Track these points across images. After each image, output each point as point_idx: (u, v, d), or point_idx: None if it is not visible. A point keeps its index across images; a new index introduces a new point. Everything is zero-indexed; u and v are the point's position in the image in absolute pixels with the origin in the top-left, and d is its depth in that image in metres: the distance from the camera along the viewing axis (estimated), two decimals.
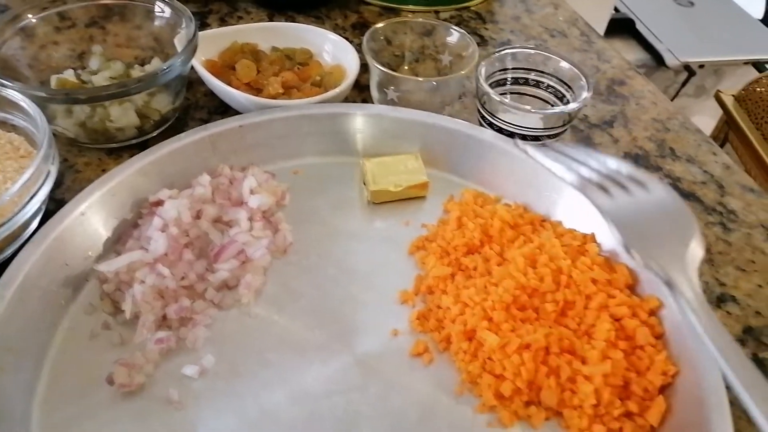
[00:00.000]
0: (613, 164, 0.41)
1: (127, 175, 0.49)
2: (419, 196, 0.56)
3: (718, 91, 1.12)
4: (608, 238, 0.48)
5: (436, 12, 0.82)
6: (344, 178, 0.57)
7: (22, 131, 0.51)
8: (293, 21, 0.77)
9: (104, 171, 0.56)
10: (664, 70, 1.95)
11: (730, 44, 1.96)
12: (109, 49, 0.64)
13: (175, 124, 0.61)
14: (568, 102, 0.59)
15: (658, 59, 1.94)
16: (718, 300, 0.50)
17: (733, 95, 1.10)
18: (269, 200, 0.51)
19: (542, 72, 0.61)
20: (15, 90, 0.49)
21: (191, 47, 0.56)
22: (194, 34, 0.57)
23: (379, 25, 0.62)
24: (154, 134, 0.59)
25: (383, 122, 0.57)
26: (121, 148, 0.58)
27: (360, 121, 0.57)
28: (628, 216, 0.35)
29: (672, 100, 1.99)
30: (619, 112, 0.69)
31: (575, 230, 0.51)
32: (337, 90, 0.59)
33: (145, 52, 0.64)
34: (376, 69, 0.58)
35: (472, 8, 0.84)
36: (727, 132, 1.10)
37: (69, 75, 0.61)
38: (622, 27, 2.06)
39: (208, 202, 0.50)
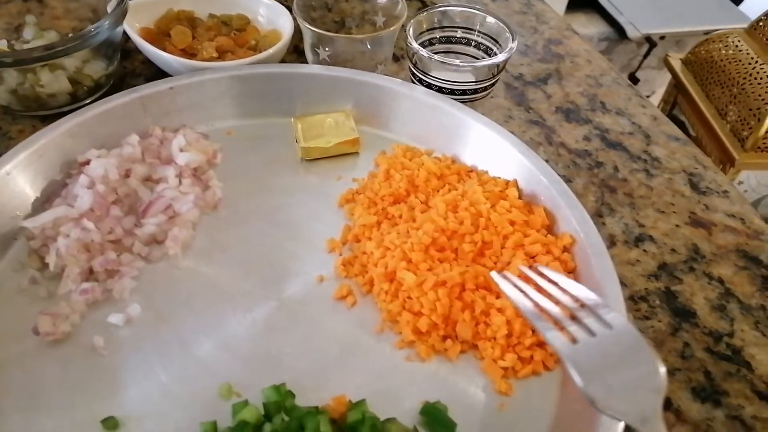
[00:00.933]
0: (576, 294, 0.39)
1: (55, 136, 0.50)
2: (351, 153, 0.57)
3: (667, 55, 1.14)
4: (528, 184, 0.50)
5: None
6: (278, 137, 0.58)
7: None
8: None
9: None
10: (626, 42, 1.98)
11: (691, 15, 1.99)
12: (45, 21, 0.64)
13: (110, 92, 0.61)
14: (494, 54, 0.61)
15: (620, 32, 1.96)
16: (637, 240, 0.52)
17: (681, 59, 1.12)
18: (199, 158, 0.52)
19: (470, 29, 0.62)
20: None
21: (120, 10, 0.56)
22: (123, 3, 0.57)
23: None
24: (88, 101, 0.59)
25: (315, 81, 0.58)
26: (55, 116, 0.58)
27: (291, 80, 0.58)
28: (591, 360, 0.34)
29: (635, 72, 2.02)
30: (554, 70, 0.71)
31: (499, 178, 0.52)
32: (270, 51, 0.60)
33: (82, 24, 0.64)
34: (308, 30, 0.59)
35: None
36: (676, 96, 1.12)
37: (2, 45, 0.61)
38: (584, 1, 2.08)
39: (137, 162, 0.51)
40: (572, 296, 0.38)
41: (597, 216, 0.54)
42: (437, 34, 0.62)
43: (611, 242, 0.52)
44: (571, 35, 0.76)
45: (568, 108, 0.66)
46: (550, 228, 0.48)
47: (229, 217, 0.51)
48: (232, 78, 0.57)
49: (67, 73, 0.56)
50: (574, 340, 0.35)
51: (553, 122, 0.64)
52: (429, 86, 0.59)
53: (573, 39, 0.76)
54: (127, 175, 0.50)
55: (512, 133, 0.53)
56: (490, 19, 0.60)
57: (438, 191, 0.52)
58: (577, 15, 2.02)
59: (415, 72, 0.60)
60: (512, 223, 0.47)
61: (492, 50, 0.61)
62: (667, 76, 1.14)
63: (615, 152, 0.61)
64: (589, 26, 2.01)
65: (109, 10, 0.61)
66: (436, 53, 0.62)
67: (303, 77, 0.58)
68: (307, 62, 0.65)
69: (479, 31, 0.62)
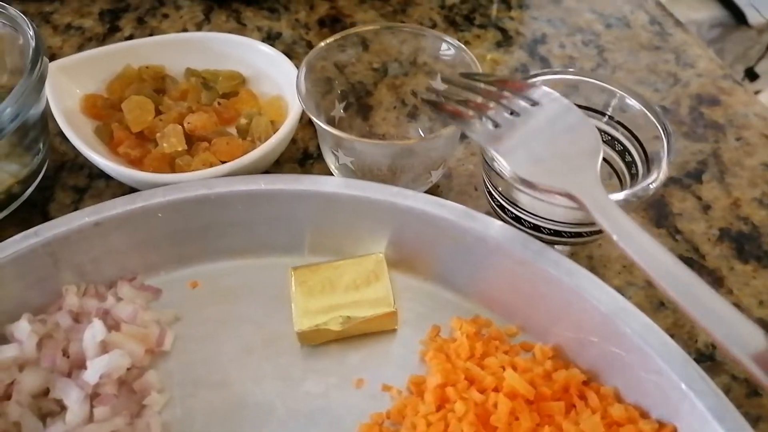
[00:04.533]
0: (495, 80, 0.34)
1: None
2: (382, 331, 0.35)
3: None
4: None
5: None
6: (266, 293, 0.36)
7: None
8: (238, 17, 0.55)
9: None
10: (744, 29, 1.62)
11: None
12: None
13: (34, 199, 0.41)
14: (633, 165, 0.36)
15: (738, 16, 1.60)
16: None
17: None
18: (123, 362, 0.31)
19: (595, 111, 0.37)
20: None
21: (34, 80, 0.36)
22: (37, 66, 0.36)
23: (326, 42, 0.40)
24: (0, 216, 0.40)
25: (329, 205, 0.36)
26: None
27: (293, 202, 0.36)
28: (519, 143, 0.30)
29: (753, 66, 1.66)
30: (710, 155, 0.45)
31: (645, 410, 0.29)
32: (261, 150, 0.38)
33: (3, 91, 0.44)
34: (318, 125, 0.36)
35: None
36: None
37: None
38: None
39: (29, 365, 0.31)
40: (497, 83, 0.33)
41: None
42: None
43: None
44: (734, 87, 0.50)
45: (741, 232, 0.41)
46: None
47: None
48: (201, 201, 0.36)
49: None
50: (496, 125, 0.32)
51: (718, 260, 0.39)
52: (518, 220, 0.35)
53: (736, 94, 0.50)
54: (6, 394, 0.30)
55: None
56: (629, 102, 0.36)
57: None
58: None
59: (494, 194, 0.36)
60: None
61: (628, 151, 0.37)
62: None
63: None
64: (700, 9, 1.66)
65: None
66: None
67: (311, 198, 0.36)
68: (321, 162, 0.43)
69: (609, 117, 0.37)
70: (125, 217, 0.35)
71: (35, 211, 0.41)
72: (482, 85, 0.34)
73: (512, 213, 0.35)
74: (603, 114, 0.37)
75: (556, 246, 0.35)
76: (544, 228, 0.35)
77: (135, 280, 0.36)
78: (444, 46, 0.39)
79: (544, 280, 0.33)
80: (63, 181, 0.43)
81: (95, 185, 0.42)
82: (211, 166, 0.39)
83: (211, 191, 0.35)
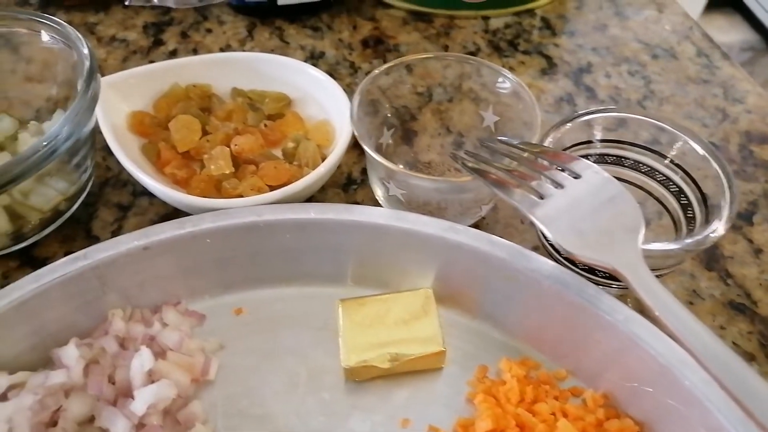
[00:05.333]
0: (538, 151, 0.34)
1: None
2: (430, 369, 0.34)
3: None
4: None
5: (485, 18, 0.58)
6: (311, 324, 0.36)
7: None
8: (281, 35, 0.55)
9: None
10: None
11: None
12: (2, 99, 0.44)
13: (78, 215, 0.41)
14: (689, 207, 0.35)
15: None
16: None
17: None
18: (170, 392, 0.30)
19: (655, 152, 0.37)
20: None
21: (88, 100, 0.36)
22: (91, 85, 0.36)
23: (380, 70, 0.40)
24: (46, 233, 0.40)
25: (377, 236, 0.36)
26: None
27: (338, 233, 0.36)
28: (563, 214, 0.31)
29: None
30: (761, 195, 0.44)
31: None
32: (311, 178, 0.37)
33: (48, 103, 0.44)
34: (369, 155, 0.36)
35: (537, 12, 0.59)
36: None
37: None
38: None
39: (76, 391, 0.31)
40: (539, 154, 0.34)
41: None
42: (594, 151, 0.38)
43: None
44: None
45: None
46: None
47: None
48: (250, 228, 0.35)
49: (3, 203, 0.37)
50: (540, 197, 0.31)
51: None
52: (571, 260, 0.35)
53: None
54: (53, 422, 0.30)
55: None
56: (695, 146, 0.35)
57: None
58: (714, 17, 1.63)
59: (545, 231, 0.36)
60: None
61: (684, 193, 0.36)
62: None
63: None
64: (730, 31, 1.64)
65: (79, 86, 0.41)
66: None
67: (360, 229, 0.36)
68: (364, 188, 0.42)
69: (665, 156, 0.36)
70: (173, 242, 0.34)
71: (79, 228, 0.41)
72: (525, 154, 0.34)
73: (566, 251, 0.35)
74: (660, 155, 0.37)
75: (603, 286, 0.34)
76: (599, 271, 0.34)
77: (179, 305, 0.36)
78: (500, 79, 0.39)
79: (598, 326, 0.32)
80: (106, 197, 0.42)
81: (139, 203, 0.42)
82: (258, 191, 0.38)
83: (260, 219, 0.35)
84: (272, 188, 0.39)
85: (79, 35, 0.38)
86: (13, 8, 0.56)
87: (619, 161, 0.38)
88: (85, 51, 0.37)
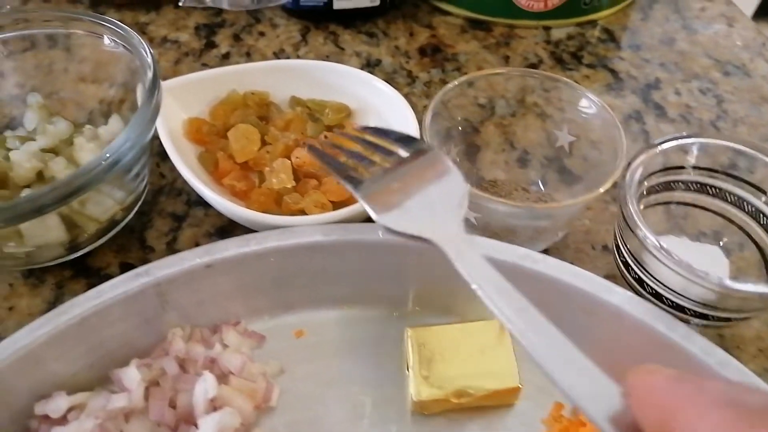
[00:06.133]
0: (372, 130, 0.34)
1: (4, 367, 0.29)
2: (502, 405, 0.33)
3: None
4: None
5: (546, 29, 0.56)
6: (375, 349, 0.34)
7: None
8: (335, 40, 0.54)
9: (11, 310, 0.36)
10: None
11: None
12: (54, 99, 0.43)
13: (132, 224, 0.40)
14: None
15: None
16: None
17: None
18: (234, 420, 0.29)
19: (749, 184, 0.34)
20: None
21: (145, 120, 0.34)
22: (155, 94, 0.35)
23: (455, 84, 0.38)
24: (100, 242, 0.38)
25: (444, 260, 0.34)
26: (44, 269, 0.38)
27: (404, 255, 0.34)
28: (390, 192, 0.29)
29: None
30: None
31: None
32: None
33: (101, 105, 0.43)
34: None
35: (600, 23, 0.57)
36: None
37: None
38: None
39: (136, 414, 0.29)
40: (375, 134, 0.33)
41: None
42: (684, 177, 0.36)
43: None
44: None
45: None
46: None
47: None
48: (315, 248, 0.34)
49: (60, 213, 0.35)
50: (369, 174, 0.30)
51: None
52: (655, 295, 0.33)
53: None
54: None
55: None
56: None
57: None
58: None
59: (626, 258, 0.34)
60: None
61: None
62: None
63: None
64: None
65: (138, 92, 0.40)
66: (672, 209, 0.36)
67: (428, 252, 0.34)
68: None
69: (756, 186, 0.34)
70: (237, 260, 0.33)
71: (133, 238, 0.40)
72: (365, 136, 0.33)
73: (651, 288, 0.32)
74: (748, 183, 0.34)
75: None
76: (689, 309, 0.32)
77: (239, 324, 0.34)
78: (584, 102, 0.37)
79: (688, 368, 0.30)
80: (161, 207, 0.41)
81: (193, 213, 0.41)
82: (322, 207, 0.37)
83: (326, 239, 0.33)
84: (334, 204, 0.38)
85: (143, 41, 0.37)
86: (73, 9, 0.55)
87: (713, 191, 0.36)
88: (149, 59, 0.36)
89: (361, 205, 0.35)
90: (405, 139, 0.32)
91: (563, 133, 0.39)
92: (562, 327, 0.33)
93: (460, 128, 0.41)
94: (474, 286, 0.25)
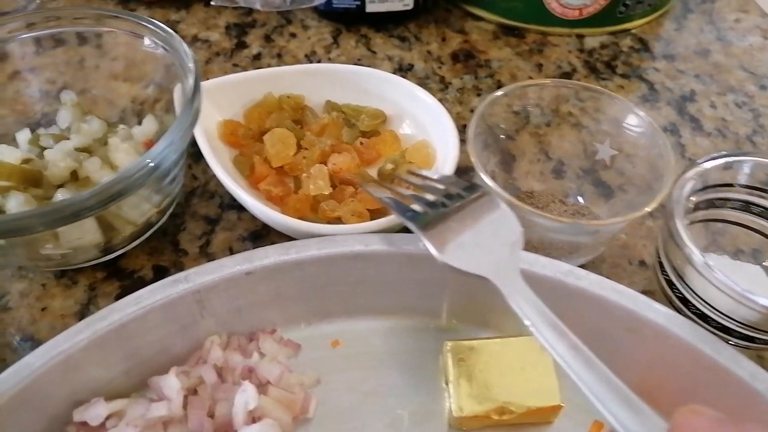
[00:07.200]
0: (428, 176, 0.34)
1: (42, 372, 0.29)
2: (541, 422, 0.32)
3: None
4: None
5: (580, 36, 0.55)
6: (412, 361, 0.34)
7: None
8: (367, 43, 0.53)
9: (44, 311, 0.36)
10: None
11: None
12: (86, 97, 0.43)
13: (165, 226, 0.40)
14: None
15: None
16: None
17: None
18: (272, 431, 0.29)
19: None
20: None
21: (186, 125, 0.34)
22: (195, 99, 0.35)
23: (499, 94, 0.37)
24: (132, 246, 0.38)
25: None
26: (77, 270, 0.38)
27: (445, 269, 0.34)
28: (446, 230, 0.29)
29: None
30: None
31: None
32: None
33: (134, 105, 0.43)
34: (488, 188, 0.33)
35: (634, 32, 0.56)
36: None
37: (24, 138, 0.40)
38: None
39: (175, 423, 0.29)
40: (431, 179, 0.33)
41: None
42: (732, 195, 0.35)
43: None
44: None
45: None
46: None
47: None
48: (356, 258, 0.33)
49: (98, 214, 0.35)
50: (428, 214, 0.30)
51: None
52: (700, 315, 0.32)
53: None
54: None
55: None
56: None
57: None
58: None
59: (673, 280, 0.33)
60: None
61: None
62: None
63: None
64: None
65: (175, 94, 0.39)
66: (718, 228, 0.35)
67: None
68: None
69: None
70: (277, 268, 0.32)
71: (166, 240, 0.39)
72: (419, 180, 0.34)
73: (696, 308, 0.32)
74: None
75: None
76: (735, 331, 0.31)
77: (275, 333, 0.34)
78: (633, 119, 0.36)
79: (737, 393, 0.29)
80: (194, 209, 0.41)
81: (227, 217, 0.40)
82: (359, 216, 0.36)
83: (368, 248, 0.33)
84: (371, 212, 0.37)
85: (183, 44, 0.37)
86: (106, 6, 0.55)
87: (747, 207, 0.35)
88: (190, 64, 0.35)
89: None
90: (460, 183, 0.33)
91: (604, 147, 0.38)
92: (605, 344, 0.33)
93: (496, 137, 0.40)
94: (527, 323, 0.27)
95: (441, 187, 0.32)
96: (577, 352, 0.26)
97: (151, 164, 0.31)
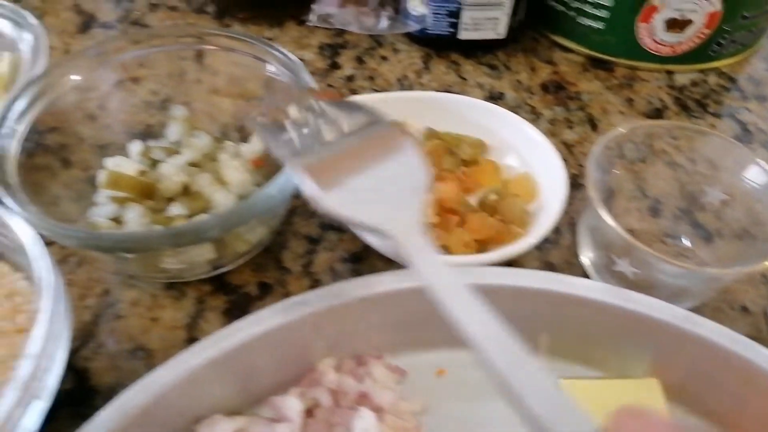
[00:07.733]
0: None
1: (170, 387, 0.29)
2: None
3: None
4: None
5: (669, 73, 0.55)
6: None
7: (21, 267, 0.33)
8: (458, 70, 0.54)
9: (154, 321, 0.37)
10: None
11: None
12: (196, 113, 0.44)
13: (270, 245, 0.40)
14: None
15: None
16: None
17: None
18: None
19: None
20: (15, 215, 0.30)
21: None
22: None
23: (622, 132, 0.37)
24: (242, 261, 0.39)
25: (594, 312, 0.33)
26: (185, 282, 0.39)
27: (550, 305, 0.34)
28: (333, 167, 0.25)
29: None
30: None
31: None
32: (533, 240, 0.36)
33: (233, 120, 0.44)
34: (606, 225, 0.33)
35: (723, 69, 0.56)
36: None
37: (136, 149, 0.42)
38: None
39: None
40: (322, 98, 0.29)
41: None
42: None
43: None
44: None
45: None
46: None
47: None
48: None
49: None
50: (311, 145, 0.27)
51: None
52: None
53: None
54: None
55: None
56: None
57: None
58: None
59: None
60: None
61: None
62: None
63: None
64: None
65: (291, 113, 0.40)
66: None
67: (575, 303, 0.33)
68: (558, 249, 0.40)
69: None
70: (392, 295, 0.33)
71: (269, 258, 0.40)
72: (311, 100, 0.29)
73: None
74: None
75: None
76: None
77: (382, 358, 0.34)
78: (755, 169, 0.36)
79: None
80: (295, 228, 0.42)
81: (327, 237, 0.41)
82: (466, 246, 0.37)
83: (480, 281, 0.33)
84: (477, 242, 0.38)
85: (305, 69, 0.38)
86: (246, 34, 0.56)
87: None
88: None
89: (518, 248, 0.35)
90: (361, 116, 0.28)
91: (713, 190, 0.38)
92: (719, 394, 0.33)
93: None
94: (433, 289, 0.24)
95: (338, 118, 0.27)
96: (489, 327, 0.23)
97: (278, 196, 0.32)
